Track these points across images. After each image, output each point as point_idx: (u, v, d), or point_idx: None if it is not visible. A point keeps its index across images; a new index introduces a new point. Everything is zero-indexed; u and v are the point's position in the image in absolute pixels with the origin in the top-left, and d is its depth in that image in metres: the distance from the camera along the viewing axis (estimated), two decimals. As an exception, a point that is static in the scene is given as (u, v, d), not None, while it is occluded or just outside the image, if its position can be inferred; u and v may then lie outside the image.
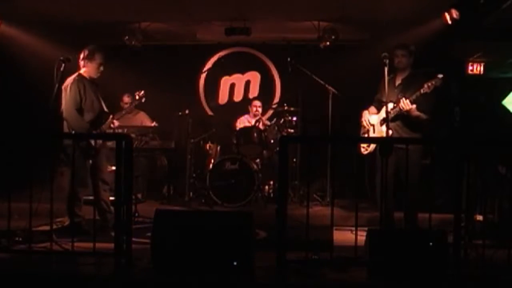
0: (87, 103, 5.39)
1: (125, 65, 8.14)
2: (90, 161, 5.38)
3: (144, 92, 6.15)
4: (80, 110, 5.34)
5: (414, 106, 5.16)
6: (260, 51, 9.10)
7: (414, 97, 5.14)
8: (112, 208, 5.33)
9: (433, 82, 5.06)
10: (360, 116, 5.71)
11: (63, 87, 5.32)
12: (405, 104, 5.14)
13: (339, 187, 7.11)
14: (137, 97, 6.09)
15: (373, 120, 5.58)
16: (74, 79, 5.38)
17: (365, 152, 5.59)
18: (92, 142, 5.28)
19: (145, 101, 8.05)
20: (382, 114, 5.36)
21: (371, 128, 5.58)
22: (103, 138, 5.63)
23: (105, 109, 5.56)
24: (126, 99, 7.84)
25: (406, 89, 5.33)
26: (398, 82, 5.45)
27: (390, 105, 5.27)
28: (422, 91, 5.09)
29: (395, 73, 5.49)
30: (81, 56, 5.47)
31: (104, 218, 5.39)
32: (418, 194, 5.22)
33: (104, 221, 5.37)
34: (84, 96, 5.36)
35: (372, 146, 5.52)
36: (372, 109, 5.71)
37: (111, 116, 5.59)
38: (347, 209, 6.44)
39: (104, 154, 5.59)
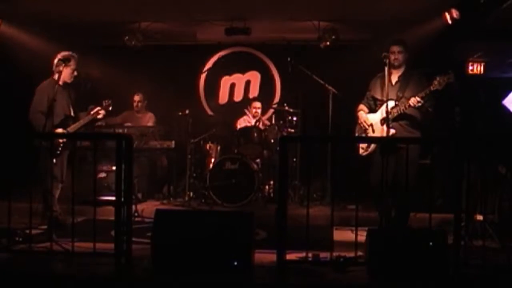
0: (58, 107, 5.43)
1: (125, 65, 8.15)
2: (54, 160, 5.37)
3: (111, 102, 5.93)
4: (48, 113, 5.34)
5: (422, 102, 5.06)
6: (260, 51, 9.08)
7: (423, 94, 5.02)
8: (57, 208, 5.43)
9: (445, 79, 4.94)
10: (356, 115, 5.57)
11: (36, 89, 5.38)
12: (415, 102, 5.02)
13: (339, 187, 7.11)
14: (104, 104, 5.85)
15: (371, 120, 5.42)
16: (47, 83, 5.47)
17: (364, 153, 5.41)
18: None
19: (146, 100, 8.08)
20: (382, 113, 5.27)
21: (369, 128, 5.43)
22: (104, 138, 5.63)
23: (72, 114, 5.62)
24: (136, 97, 8.01)
25: (404, 87, 5.22)
26: (394, 80, 5.29)
27: (391, 103, 5.15)
28: (432, 88, 4.99)
29: (389, 70, 5.28)
30: (55, 61, 5.51)
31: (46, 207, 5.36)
32: (415, 194, 5.18)
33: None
34: (53, 100, 5.38)
35: (372, 146, 5.34)
36: (363, 107, 5.58)
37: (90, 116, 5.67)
38: (347, 209, 6.43)
39: (66, 154, 5.64)
